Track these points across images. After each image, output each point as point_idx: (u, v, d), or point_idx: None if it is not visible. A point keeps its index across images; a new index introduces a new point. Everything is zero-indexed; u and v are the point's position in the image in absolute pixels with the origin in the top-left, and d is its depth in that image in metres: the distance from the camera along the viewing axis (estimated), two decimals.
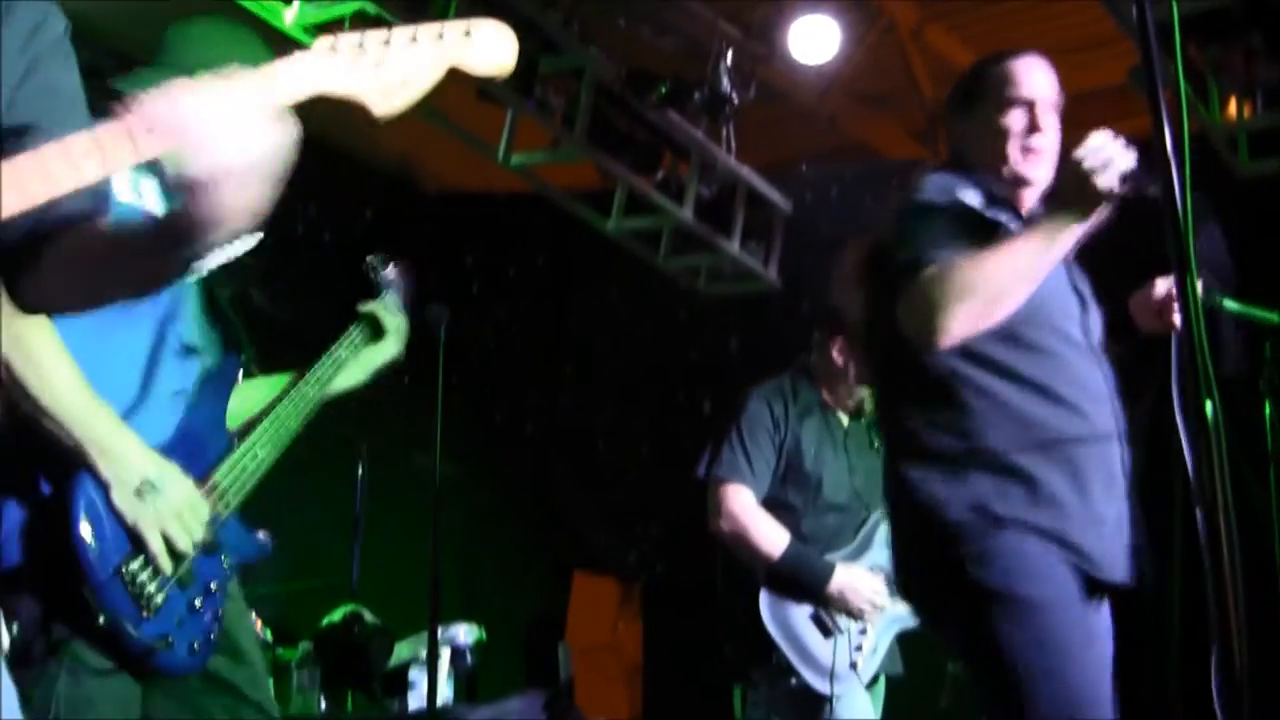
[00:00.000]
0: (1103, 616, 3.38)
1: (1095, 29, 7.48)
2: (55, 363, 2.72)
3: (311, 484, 7.46)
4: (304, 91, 1.86)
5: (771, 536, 4.78)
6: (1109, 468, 3.35)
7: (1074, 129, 8.56)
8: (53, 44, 2.14)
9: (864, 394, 5.00)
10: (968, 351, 3.22)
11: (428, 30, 1.94)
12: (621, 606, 9.60)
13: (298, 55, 1.86)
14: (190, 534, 2.87)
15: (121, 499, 2.79)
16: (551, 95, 7.44)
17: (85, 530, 2.77)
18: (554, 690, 7.08)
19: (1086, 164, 3.05)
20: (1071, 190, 3.12)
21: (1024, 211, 3.45)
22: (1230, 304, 4.11)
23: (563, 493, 9.66)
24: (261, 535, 3.39)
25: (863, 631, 4.73)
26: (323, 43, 1.89)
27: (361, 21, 6.52)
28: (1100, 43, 7.63)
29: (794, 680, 4.67)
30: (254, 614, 5.78)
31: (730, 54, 7.53)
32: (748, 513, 4.82)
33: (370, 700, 6.04)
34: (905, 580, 3.48)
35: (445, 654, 6.09)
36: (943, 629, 3.41)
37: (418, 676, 6.07)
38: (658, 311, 9.09)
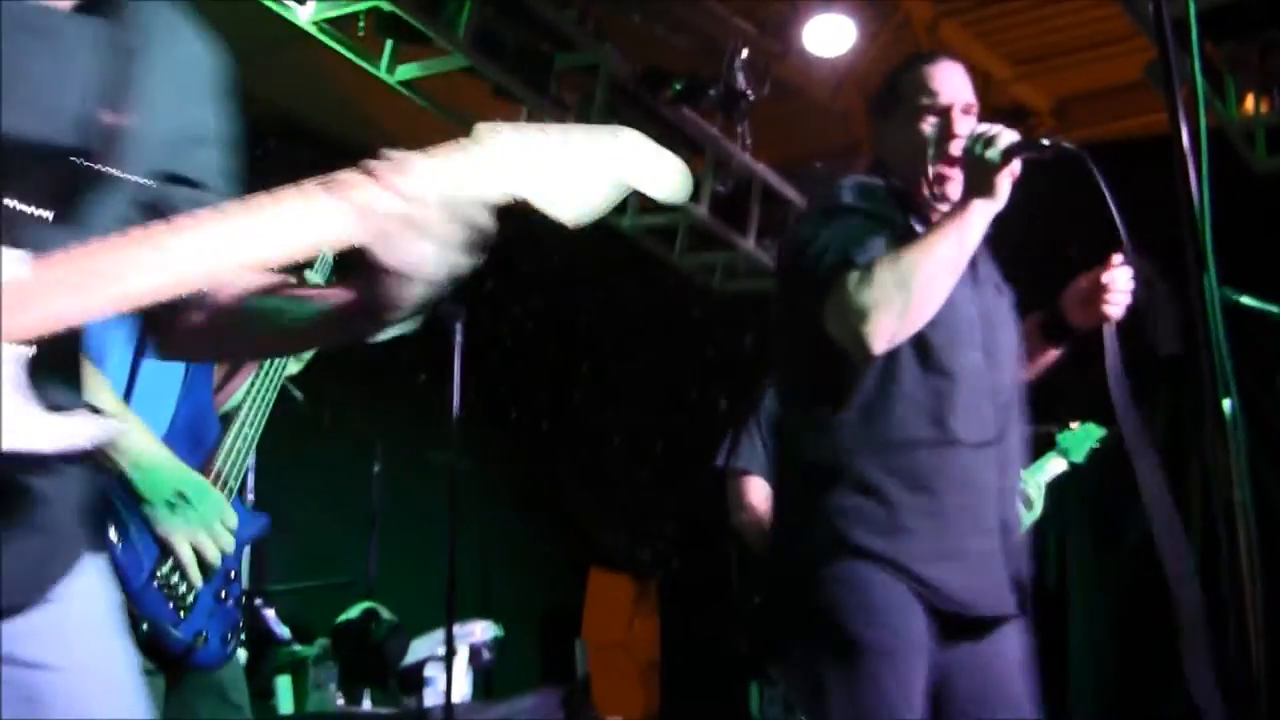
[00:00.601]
0: (963, 648, 3.24)
1: (1110, 25, 7.46)
2: (85, 374, 2.73)
3: (328, 482, 7.49)
4: (494, 197, 1.88)
5: None
6: (981, 499, 3.27)
7: (1092, 125, 8.56)
8: (214, 83, 2.12)
9: None
10: (855, 367, 3.20)
11: (587, 132, 1.94)
12: (637, 603, 9.61)
13: (466, 150, 1.86)
14: (220, 545, 2.89)
15: (153, 511, 2.80)
16: (566, 92, 7.45)
17: (116, 539, 2.78)
18: (570, 687, 7.08)
19: (970, 145, 3.16)
20: (968, 175, 3.19)
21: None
22: (1247, 300, 4.10)
23: (578, 490, 9.67)
24: (261, 514, 3.39)
25: None
26: (485, 130, 1.88)
27: (376, 18, 6.53)
28: (1116, 39, 7.61)
29: None
30: (271, 610, 5.81)
31: (745, 50, 7.53)
32: (768, 504, 4.80)
33: (387, 697, 6.05)
34: (757, 587, 3.49)
35: (462, 651, 6.10)
36: (778, 639, 3.35)
37: (434, 673, 6.08)
38: (673, 308, 9.10)
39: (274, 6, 6.29)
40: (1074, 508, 7.21)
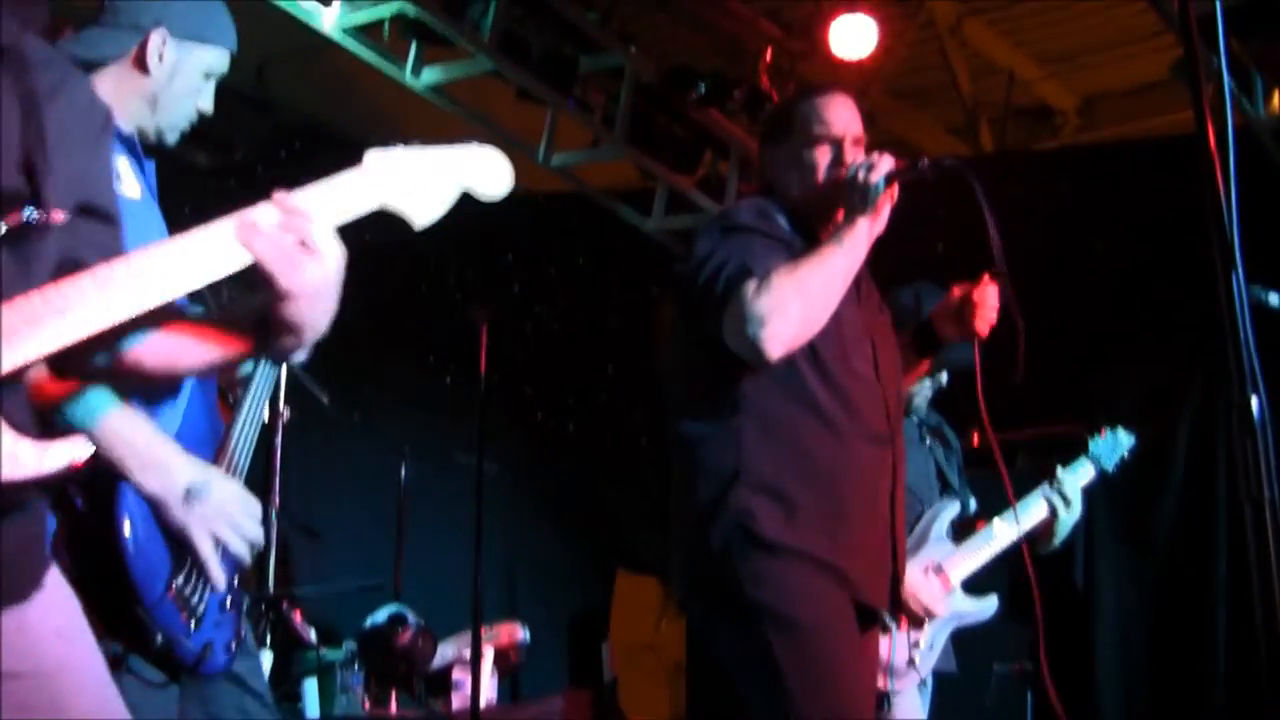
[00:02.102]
0: (872, 639, 3.56)
1: (1137, 23, 7.45)
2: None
3: (355, 485, 7.51)
4: (367, 209, 2.14)
5: None
6: (875, 498, 3.51)
7: (1118, 124, 8.52)
8: (105, 124, 2.29)
9: (911, 390, 4.97)
10: (753, 376, 3.39)
11: (445, 152, 2.27)
12: (664, 605, 9.60)
13: (355, 174, 2.15)
14: (242, 533, 2.84)
15: (169, 510, 2.77)
16: (591, 95, 7.46)
17: (133, 549, 2.78)
18: (597, 689, 7.09)
19: (855, 172, 3.42)
20: (853, 199, 3.42)
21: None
22: (1275, 298, 4.08)
23: (604, 491, 9.67)
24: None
25: (919, 628, 4.70)
26: (370, 158, 2.18)
27: (401, 23, 6.55)
28: (1142, 37, 7.59)
29: None
30: (298, 613, 5.83)
31: (770, 52, 7.53)
32: None
33: (414, 700, 6.06)
34: (680, 591, 3.60)
35: (488, 654, 6.11)
36: (715, 643, 3.50)
37: (461, 676, 6.09)
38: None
39: (299, 14, 6.31)
40: (1101, 507, 7.18)
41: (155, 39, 3.03)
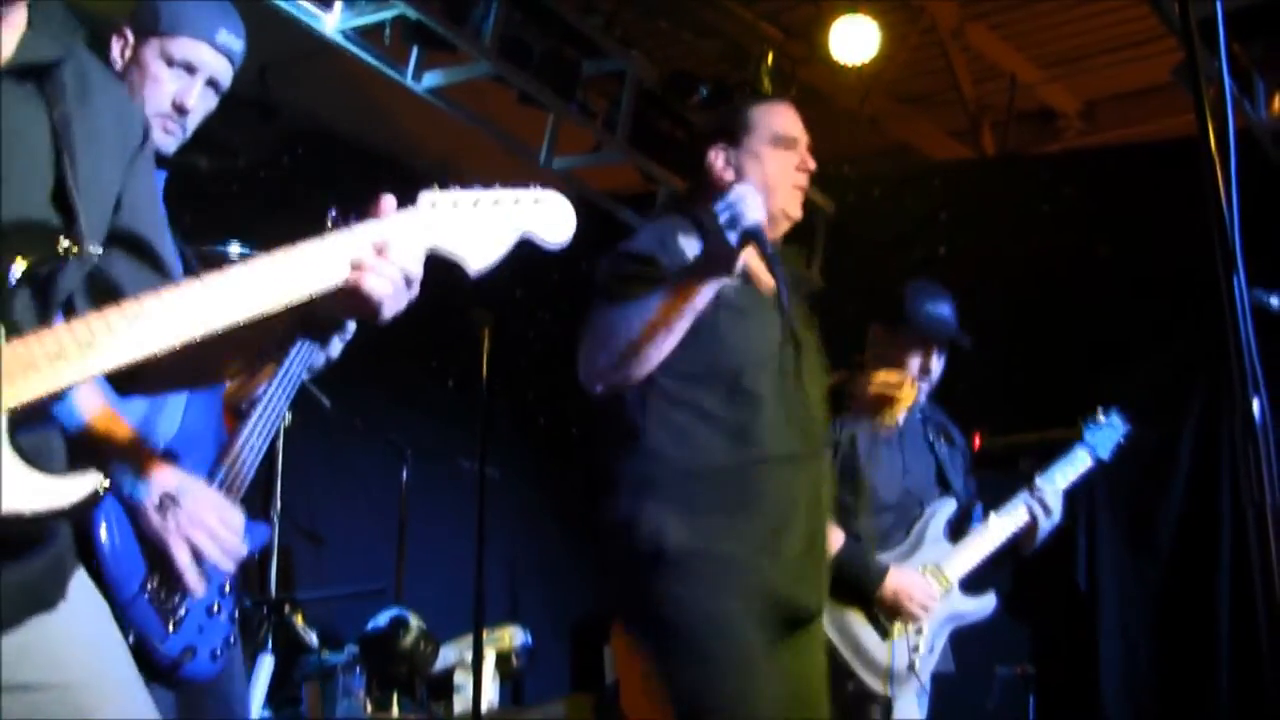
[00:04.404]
0: (798, 644, 3.55)
1: (1139, 26, 7.45)
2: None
3: (357, 489, 7.50)
4: (420, 251, 2.14)
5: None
6: (793, 512, 3.52)
7: (1120, 127, 8.52)
8: (142, 139, 2.28)
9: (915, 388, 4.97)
10: (666, 392, 3.46)
11: (508, 196, 2.24)
12: None
13: (410, 214, 2.16)
14: (219, 543, 2.80)
15: (145, 516, 2.75)
16: (592, 99, 7.46)
17: (107, 548, 2.76)
18: (599, 693, 7.09)
19: (721, 218, 3.24)
20: (713, 249, 3.34)
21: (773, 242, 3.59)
22: (1277, 301, 4.08)
23: None
24: (262, 524, 3.36)
25: (919, 631, 4.70)
26: (426, 200, 2.18)
27: (402, 26, 6.55)
28: (1144, 40, 7.59)
29: (851, 685, 4.63)
30: (299, 617, 5.83)
31: (771, 56, 7.53)
32: None
33: (415, 704, 6.06)
34: (600, 600, 3.64)
35: (490, 657, 6.11)
36: (639, 652, 3.53)
37: (463, 680, 6.09)
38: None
39: (300, 17, 6.31)
40: (1104, 511, 7.18)
41: (119, 39, 3.10)
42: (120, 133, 2.21)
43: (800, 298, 3.73)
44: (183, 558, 2.74)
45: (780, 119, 3.78)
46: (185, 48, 3.13)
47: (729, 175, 3.71)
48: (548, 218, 2.28)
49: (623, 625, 3.55)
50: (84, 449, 2.67)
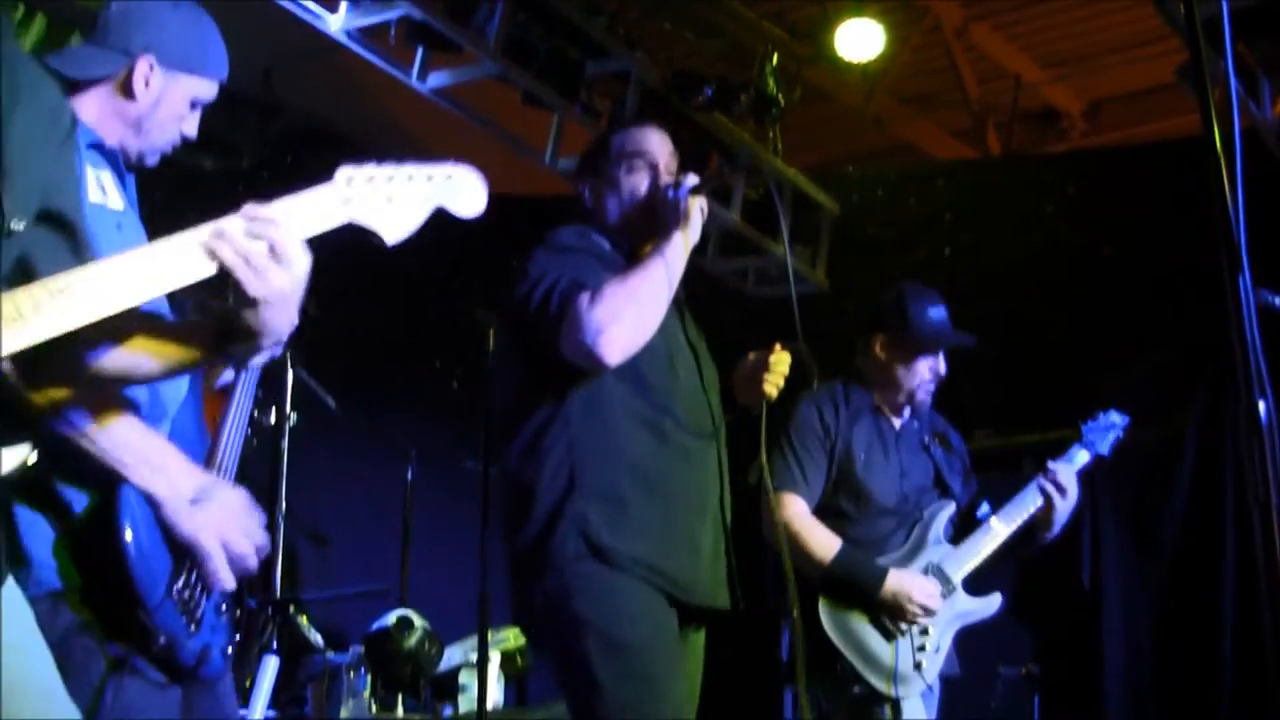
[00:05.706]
0: (695, 642, 3.78)
1: (1143, 26, 7.45)
2: None
3: (361, 489, 7.51)
4: (336, 223, 2.22)
5: (825, 544, 4.74)
6: (705, 500, 3.72)
7: (1125, 127, 8.51)
8: (69, 130, 2.36)
9: (913, 391, 4.97)
10: (580, 391, 3.58)
11: (421, 171, 2.35)
12: None
13: (326, 189, 2.22)
14: (250, 538, 2.85)
15: (178, 514, 2.77)
16: (597, 99, 7.45)
17: (135, 555, 2.77)
18: None
19: (664, 189, 3.74)
20: (663, 213, 3.72)
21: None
22: None
23: None
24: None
25: (924, 632, 4.70)
26: (342, 175, 2.26)
27: (407, 26, 6.55)
28: (1149, 40, 7.59)
29: (858, 688, 4.63)
30: (304, 618, 5.83)
31: (775, 56, 7.53)
32: (799, 521, 4.77)
33: (420, 704, 6.06)
34: (515, 605, 3.70)
35: (495, 657, 6.11)
36: (546, 655, 3.66)
37: (468, 680, 6.09)
38: (705, 313, 9.07)
39: (305, 17, 6.31)
40: (1109, 509, 7.18)
41: (143, 67, 3.01)
42: (52, 122, 2.29)
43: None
44: (218, 555, 2.77)
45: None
46: (207, 90, 3.14)
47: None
48: (460, 191, 2.38)
49: (542, 628, 3.62)
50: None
